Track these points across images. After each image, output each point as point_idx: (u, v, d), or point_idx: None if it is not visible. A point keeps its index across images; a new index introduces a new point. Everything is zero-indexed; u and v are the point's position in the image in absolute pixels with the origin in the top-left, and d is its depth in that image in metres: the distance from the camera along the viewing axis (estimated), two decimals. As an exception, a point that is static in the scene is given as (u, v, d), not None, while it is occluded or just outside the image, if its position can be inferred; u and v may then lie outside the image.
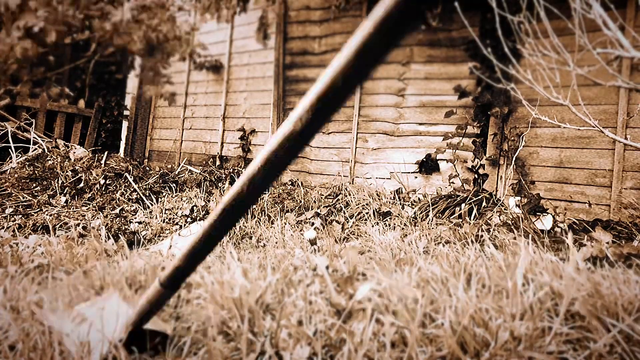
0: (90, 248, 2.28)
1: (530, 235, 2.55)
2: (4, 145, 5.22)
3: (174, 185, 4.84)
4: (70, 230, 3.36)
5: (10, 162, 4.86)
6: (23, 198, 4.09)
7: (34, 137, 5.41)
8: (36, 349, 1.17)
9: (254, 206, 3.92)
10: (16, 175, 4.48)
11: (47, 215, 3.76)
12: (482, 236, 2.78)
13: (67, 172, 4.65)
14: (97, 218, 3.73)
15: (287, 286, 1.52)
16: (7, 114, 5.72)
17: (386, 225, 3.26)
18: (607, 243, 2.21)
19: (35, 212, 3.81)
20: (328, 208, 3.80)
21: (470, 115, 4.06)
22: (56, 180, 4.50)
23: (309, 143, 4.42)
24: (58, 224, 3.54)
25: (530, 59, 1.95)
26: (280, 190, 4.55)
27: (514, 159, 3.80)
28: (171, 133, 6.28)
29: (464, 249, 2.26)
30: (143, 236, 3.19)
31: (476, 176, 3.96)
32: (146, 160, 6.45)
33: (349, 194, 3.98)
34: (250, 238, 3.02)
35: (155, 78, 4.15)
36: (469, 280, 1.53)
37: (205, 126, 5.92)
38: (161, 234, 3.31)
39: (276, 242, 2.88)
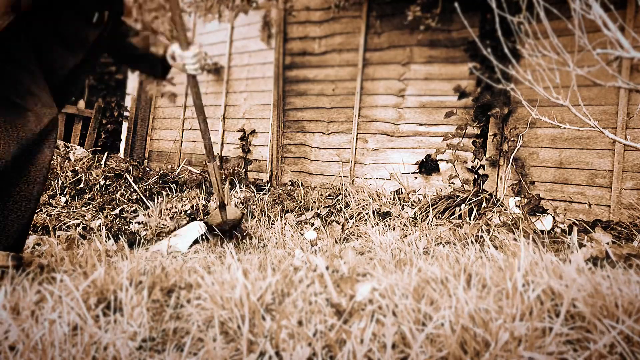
0: (91, 248, 2.28)
1: (530, 236, 2.55)
2: (4, 145, 5.21)
3: (174, 185, 4.84)
4: (70, 231, 3.36)
5: (10, 163, 4.86)
6: (23, 198, 4.09)
7: (34, 138, 5.41)
8: (36, 350, 1.17)
9: (255, 207, 3.93)
10: (16, 176, 4.48)
11: (47, 215, 3.76)
12: (482, 237, 2.79)
13: (67, 172, 4.65)
14: (97, 218, 3.73)
15: (287, 287, 1.52)
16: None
17: (386, 226, 3.26)
18: (607, 244, 2.21)
19: (35, 213, 3.81)
20: (328, 208, 3.80)
21: (470, 116, 4.06)
22: (56, 181, 4.50)
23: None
24: (58, 224, 3.54)
25: (530, 59, 1.95)
26: (280, 191, 4.55)
27: (513, 159, 3.80)
28: (171, 133, 6.28)
29: (464, 249, 2.26)
30: (143, 236, 3.19)
31: (476, 177, 3.97)
32: (146, 160, 6.45)
33: (349, 195, 3.98)
34: (251, 238, 3.02)
35: (156, 77, 4.16)
36: (469, 281, 1.53)
37: (205, 127, 5.91)
38: (161, 234, 3.31)
39: (276, 243, 2.88)
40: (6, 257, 1.83)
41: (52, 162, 2.09)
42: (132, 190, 4.53)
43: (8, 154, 1.77)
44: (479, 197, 3.55)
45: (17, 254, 1.89)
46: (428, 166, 4.23)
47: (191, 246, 2.82)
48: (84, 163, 5.02)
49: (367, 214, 3.54)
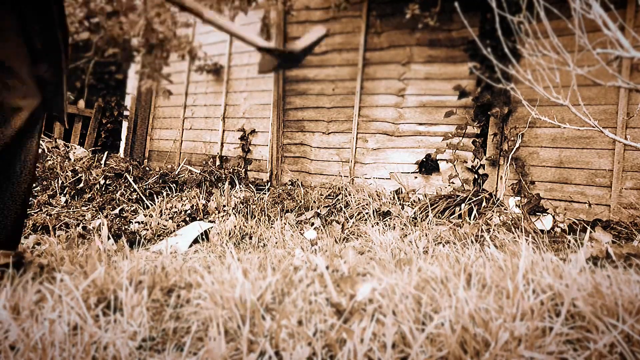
0: (91, 248, 2.28)
1: (530, 235, 2.55)
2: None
3: (174, 185, 4.84)
4: (70, 230, 3.36)
5: (10, 162, 4.86)
6: (23, 198, 4.09)
7: (33, 137, 5.40)
8: (36, 349, 1.17)
9: (254, 206, 3.92)
10: (16, 176, 4.48)
11: (46, 215, 3.76)
12: (482, 236, 2.79)
13: (67, 172, 4.65)
14: (97, 218, 3.73)
15: (287, 286, 1.52)
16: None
17: (386, 225, 3.26)
18: (607, 243, 2.21)
19: (35, 212, 3.81)
20: (328, 208, 3.80)
21: (470, 116, 4.06)
22: (56, 180, 4.49)
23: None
24: (58, 224, 3.54)
25: (530, 59, 1.95)
26: (280, 191, 4.55)
27: (513, 159, 3.80)
28: (171, 133, 6.28)
29: (464, 249, 2.26)
30: (143, 236, 3.19)
31: (476, 176, 3.97)
32: (146, 160, 6.45)
33: (349, 194, 3.98)
34: (251, 238, 3.02)
35: (154, 74, 4.16)
36: (469, 281, 1.53)
37: (205, 126, 5.92)
38: (161, 234, 3.31)
39: (276, 242, 2.88)
40: (5, 255, 1.83)
41: (39, 154, 2.05)
42: (132, 189, 4.53)
43: None
44: (479, 197, 3.55)
45: (15, 251, 1.89)
46: (428, 166, 4.23)
47: (191, 246, 2.83)
48: (84, 163, 5.02)
49: (367, 213, 3.54)
